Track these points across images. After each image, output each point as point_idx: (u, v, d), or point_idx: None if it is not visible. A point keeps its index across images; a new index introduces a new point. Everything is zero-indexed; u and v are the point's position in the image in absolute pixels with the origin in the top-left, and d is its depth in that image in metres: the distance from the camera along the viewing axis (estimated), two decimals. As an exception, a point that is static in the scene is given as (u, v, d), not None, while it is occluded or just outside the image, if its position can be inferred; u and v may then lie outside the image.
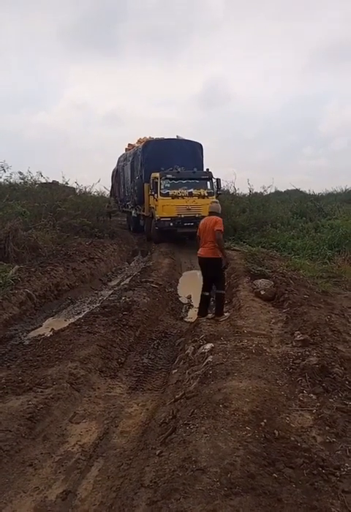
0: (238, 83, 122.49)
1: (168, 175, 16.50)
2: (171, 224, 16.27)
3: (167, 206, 16.24)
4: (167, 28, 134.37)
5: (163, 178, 16.45)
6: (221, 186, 18.39)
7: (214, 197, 16.01)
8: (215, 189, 17.08)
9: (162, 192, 16.30)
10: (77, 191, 20.89)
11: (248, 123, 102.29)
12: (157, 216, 16.46)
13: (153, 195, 16.82)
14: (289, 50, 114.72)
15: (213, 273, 7.05)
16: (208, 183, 16.91)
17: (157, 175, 16.61)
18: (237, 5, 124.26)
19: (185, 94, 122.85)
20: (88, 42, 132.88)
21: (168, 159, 17.27)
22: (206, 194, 16.40)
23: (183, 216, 16.15)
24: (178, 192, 16.40)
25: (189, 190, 16.42)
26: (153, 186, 16.95)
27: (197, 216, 15.53)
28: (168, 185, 16.41)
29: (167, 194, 16.31)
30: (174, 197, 16.36)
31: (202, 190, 16.52)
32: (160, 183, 16.40)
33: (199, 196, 16.42)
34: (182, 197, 16.38)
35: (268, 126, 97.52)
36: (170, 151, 18.02)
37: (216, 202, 7.50)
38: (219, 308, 7.07)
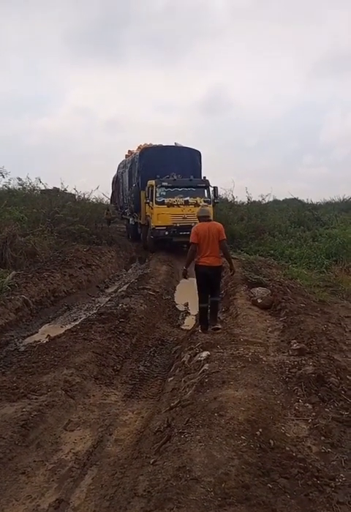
0: (239, 89, 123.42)
1: (164, 183, 16.21)
2: (166, 233, 15.99)
3: (162, 215, 15.97)
4: (170, 34, 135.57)
5: (159, 185, 16.17)
6: (219, 194, 18.09)
7: (211, 205, 15.79)
8: (212, 198, 16.79)
9: (158, 200, 16.04)
10: (77, 197, 20.87)
11: (248, 131, 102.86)
12: (152, 224, 16.19)
13: (148, 203, 16.58)
14: (291, 58, 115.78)
15: (217, 281, 6.79)
16: (205, 191, 16.64)
17: (153, 182, 16.34)
18: (240, 12, 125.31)
19: (187, 101, 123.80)
20: (91, 47, 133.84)
21: (165, 167, 17.00)
22: (203, 203, 15.86)
23: (178, 225, 15.84)
24: (174, 200, 16.11)
25: (185, 198, 16.17)
26: (148, 194, 16.71)
27: (192, 225, 15.28)
28: (164, 193, 16.14)
29: (162, 203, 16.04)
30: (170, 205, 16.07)
31: (198, 198, 16.19)
32: (156, 191, 16.13)
33: (196, 204, 15.77)
34: (178, 205, 16.11)
35: (268, 134, 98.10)
36: (167, 158, 17.75)
37: (207, 205, 7.07)
38: (216, 315, 6.80)
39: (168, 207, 16.06)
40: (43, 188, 20.34)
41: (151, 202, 16.29)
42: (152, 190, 16.35)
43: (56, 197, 19.18)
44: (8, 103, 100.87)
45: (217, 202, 17.30)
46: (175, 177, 16.61)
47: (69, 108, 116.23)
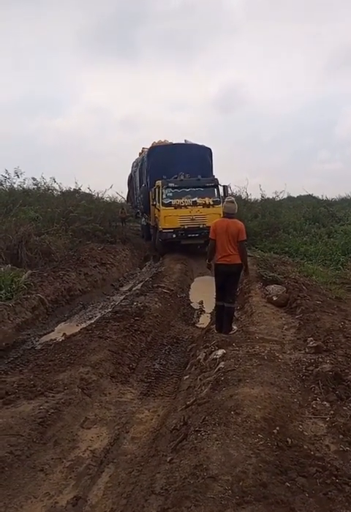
0: (254, 86, 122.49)
1: (170, 184, 15.57)
2: (174, 235, 15.36)
3: (169, 217, 15.33)
4: (185, 32, 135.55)
5: (165, 186, 15.53)
6: (229, 192, 17.14)
7: (221, 206, 14.71)
8: (222, 197, 15.59)
9: (164, 201, 15.41)
10: (95, 198, 20.85)
11: (263, 128, 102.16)
12: (159, 227, 15.67)
13: (154, 205, 16.07)
14: (306, 53, 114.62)
15: (234, 280, 6.53)
16: (215, 190, 15.89)
17: (159, 183, 15.73)
18: (255, 8, 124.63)
19: (201, 98, 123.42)
20: (105, 46, 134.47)
21: (175, 165, 16.39)
22: (212, 203, 15.47)
23: (186, 227, 15.30)
24: (182, 201, 15.46)
25: (193, 199, 15.49)
26: (154, 196, 16.14)
27: (201, 226, 14.99)
28: (171, 194, 15.50)
29: (169, 204, 15.40)
30: (177, 207, 15.41)
31: (207, 199, 15.55)
32: (162, 193, 15.49)
33: (204, 205, 15.47)
34: (185, 206, 15.44)
35: (283, 131, 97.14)
36: (176, 156, 17.04)
37: (233, 202, 6.56)
38: (229, 323, 6.51)
39: (175, 208, 15.42)
40: (58, 188, 20.46)
41: (157, 204, 15.72)
42: (158, 191, 15.77)
43: (75, 197, 19.15)
44: (22, 103, 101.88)
45: None
46: (182, 177, 15.91)
47: (83, 107, 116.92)
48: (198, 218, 15.28)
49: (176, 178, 15.96)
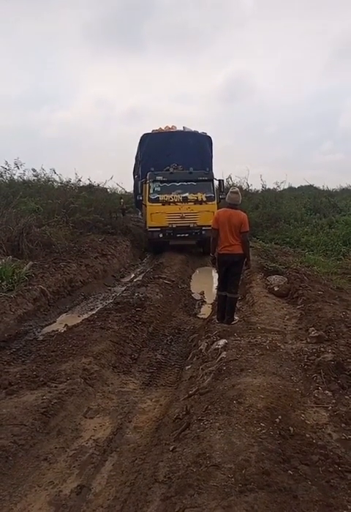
0: (259, 78, 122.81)
1: (158, 178, 14.26)
2: (161, 235, 14.08)
3: (156, 214, 14.06)
4: (191, 25, 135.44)
5: (152, 180, 14.25)
6: (224, 188, 15.26)
7: (215, 202, 14.14)
8: (216, 193, 14.67)
9: (151, 197, 14.14)
10: (95, 189, 20.64)
11: (267, 119, 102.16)
12: (147, 225, 14.49)
13: (140, 201, 15.10)
14: (312, 45, 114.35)
15: (237, 271, 6.46)
16: (210, 185, 14.53)
17: (147, 176, 14.54)
18: (263, 1, 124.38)
19: (206, 90, 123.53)
20: (111, 39, 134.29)
21: (169, 155, 15.16)
22: (204, 200, 14.18)
23: (175, 226, 13.98)
24: (171, 196, 14.14)
25: (184, 195, 14.14)
26: (141, 190, 14.96)
27: (191, 225, 13.94)
28: (158, 189, 14.20)
29: (156, 200, 14.11)
30: (165, 203, 14.10)
31: (199, 194, 14.21)
32: (149, 187, 14.22)
33: (196, 201, 14.15)
34: (175, 203, 14.09)
35: (286, 122, 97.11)
36: (172, 145, 15.58)
37: (237, 193, 6.41)
38: (231, 313, 6.49)
39: (163, 205, 14.11)
40: (58, 179, 20.38)
41: (144, 199, 14.58)
42: (145, 185, 14.65)
43: (80, 189, 19.00)
44: (27, 96, 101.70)
45: (222, 198, 13.56)
46: (171, 170, 14.61)
47: (87, 100, 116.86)
48: (189, 216, 14.04)
49: (168, 170, 14.73)
